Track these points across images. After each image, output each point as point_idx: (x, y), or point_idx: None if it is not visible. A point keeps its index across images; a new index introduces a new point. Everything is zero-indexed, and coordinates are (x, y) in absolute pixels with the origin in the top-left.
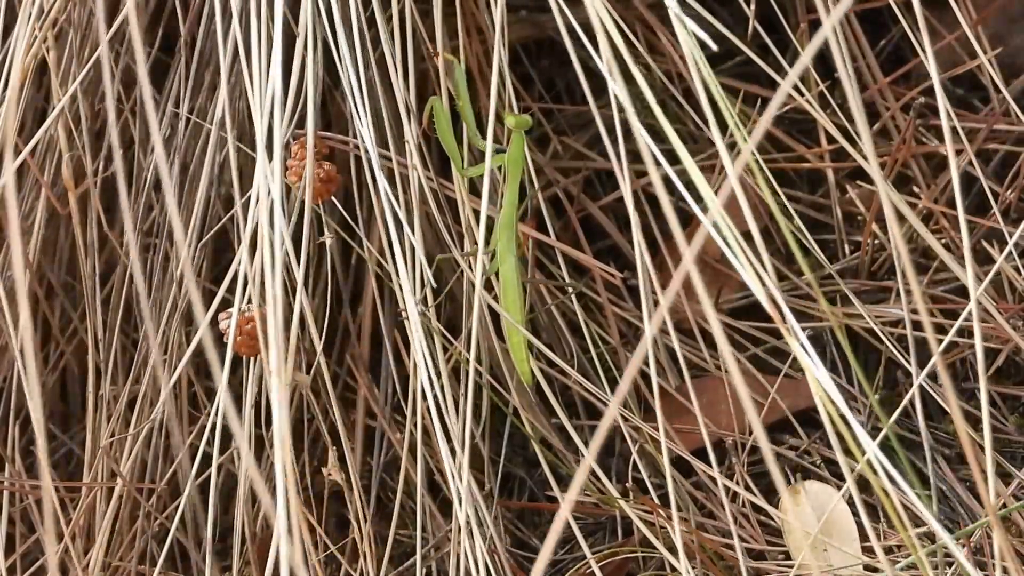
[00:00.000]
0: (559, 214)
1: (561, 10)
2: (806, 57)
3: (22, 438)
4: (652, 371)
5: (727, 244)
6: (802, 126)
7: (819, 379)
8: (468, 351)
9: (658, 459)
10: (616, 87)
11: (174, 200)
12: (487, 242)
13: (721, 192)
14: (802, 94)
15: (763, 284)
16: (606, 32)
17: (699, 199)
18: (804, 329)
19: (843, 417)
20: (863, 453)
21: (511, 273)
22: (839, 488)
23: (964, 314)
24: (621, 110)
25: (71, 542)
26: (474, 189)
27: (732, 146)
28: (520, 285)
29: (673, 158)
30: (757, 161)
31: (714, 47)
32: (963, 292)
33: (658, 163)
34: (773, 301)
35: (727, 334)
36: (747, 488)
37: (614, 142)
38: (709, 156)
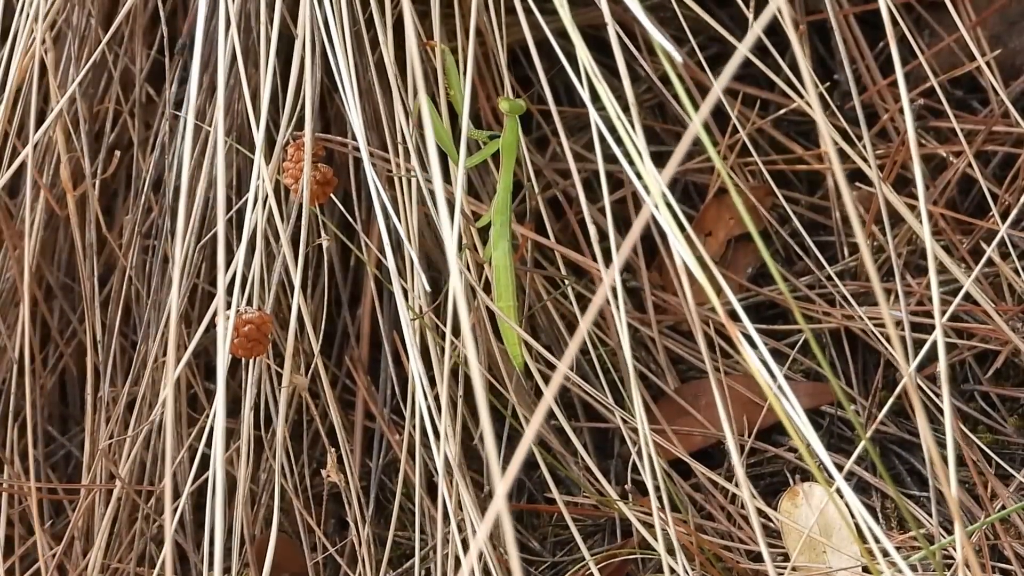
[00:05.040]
0: (558, 216)
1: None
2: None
3: (21, 440)
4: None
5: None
6: (801, 128)
7: (772, 386)
8: (465, 352)
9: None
10: (586, 96)
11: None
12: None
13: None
14: (801, 96)
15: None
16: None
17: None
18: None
19: (827, 414)
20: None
21: (504, 259)
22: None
23: (949, 313)
24: (618, 113)
25: (70, 544)
26: (472, 189)
27: (732, 147)
28: (513, 270)
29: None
30: (755, 163)
31: (678, 58)
32: (966, 295)
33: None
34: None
35: (725, 336)
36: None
37: (604, 145)
38: (709, 158)
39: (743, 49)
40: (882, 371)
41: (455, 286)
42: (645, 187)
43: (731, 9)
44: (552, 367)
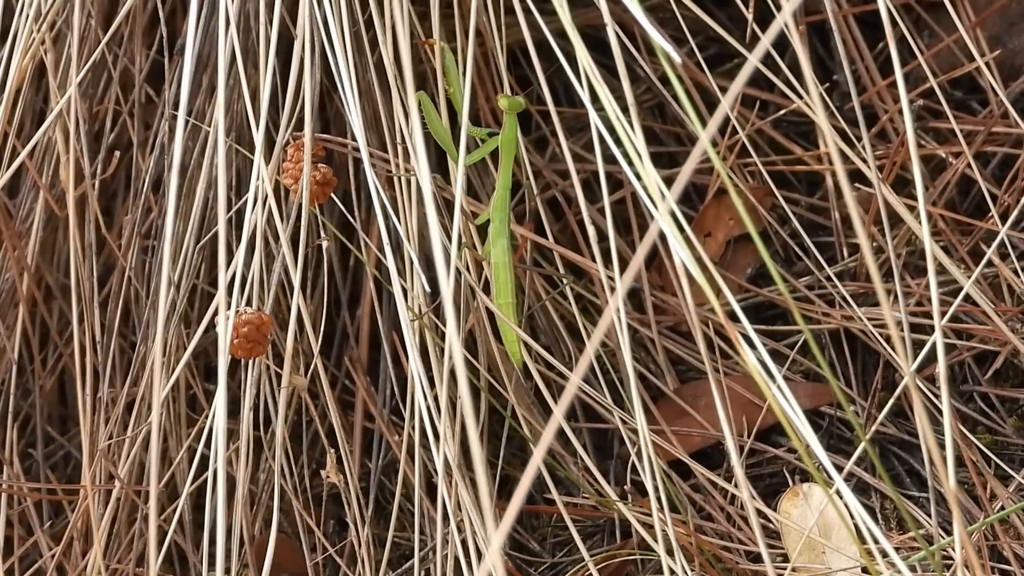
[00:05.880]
0: (557, 217)
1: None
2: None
3: (20, 440)
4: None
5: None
6: (800, 128)
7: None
8: (464, 354)
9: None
10: (586, 96)
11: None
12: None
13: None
14: (800, 97)
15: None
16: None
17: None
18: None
19: (832, 415)
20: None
21: (502, 256)
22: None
23: (949, 314)
24: (616, 114)
25: (69, 545)
26: (471, 188)
27: (731, 148)
28: (511, 268)
29: (671, 161)
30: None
31: (677, 59)
32: (966, 296)
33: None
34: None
35: (725, 336)
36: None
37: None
38: (708, 158)
39: (753, 59)
40: (881, 372)
41: (443, 283)
42: (647, 191)
43: (730, 9)
44: (552, 367)
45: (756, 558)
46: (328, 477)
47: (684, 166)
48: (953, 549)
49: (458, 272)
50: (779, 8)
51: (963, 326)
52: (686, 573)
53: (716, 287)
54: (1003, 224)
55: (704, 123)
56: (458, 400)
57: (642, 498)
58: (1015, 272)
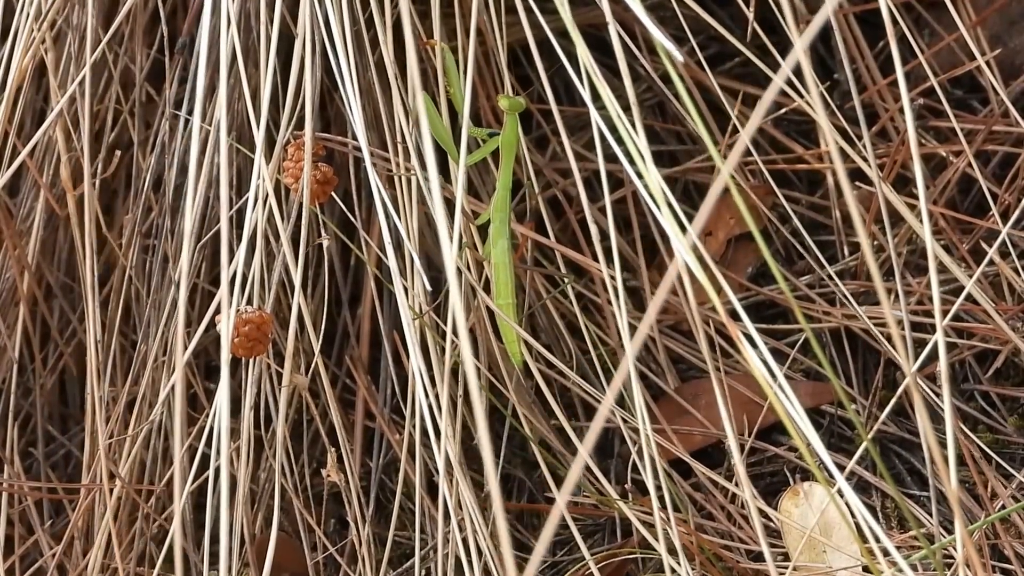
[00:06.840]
0: (558, 215)
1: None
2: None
3: (21, 439)
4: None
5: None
6: (801, 127)
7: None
8: (464, 352)
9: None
10: (587, 95)
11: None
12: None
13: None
14: (801, 95)
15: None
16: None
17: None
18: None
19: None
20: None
21: (503, 256)
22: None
23: (951, 313)
24: (617, 112)
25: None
26: (472, 188)
27: (731, 147)
28: (512, 268)
29: (671, 159)
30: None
31: (679, 58)
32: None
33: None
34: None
35: (726, 335)
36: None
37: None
38: (709, 157)
39: (779, 81)
40: (882, 370)
41: (453, 287)
42: (648, 190)
43: (731, 8)
44: (552, 366)
45: (757, 557)
46: (329, 476)
47: (704, 202)
48: (954, 548)
49: (459, 271)
50: (780, 7)
51: (964, 325)
52: (687, 572)
53: (717, 286)
54: (1004, 223)
55: (705, 122)
56: (459, 398)
57: (643, 497)
58: (1016, 271)
